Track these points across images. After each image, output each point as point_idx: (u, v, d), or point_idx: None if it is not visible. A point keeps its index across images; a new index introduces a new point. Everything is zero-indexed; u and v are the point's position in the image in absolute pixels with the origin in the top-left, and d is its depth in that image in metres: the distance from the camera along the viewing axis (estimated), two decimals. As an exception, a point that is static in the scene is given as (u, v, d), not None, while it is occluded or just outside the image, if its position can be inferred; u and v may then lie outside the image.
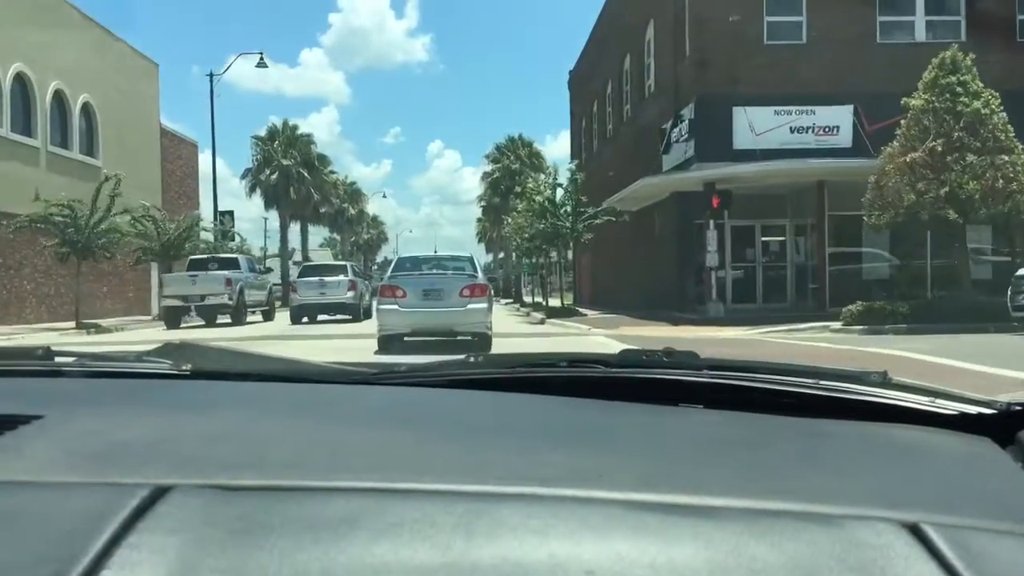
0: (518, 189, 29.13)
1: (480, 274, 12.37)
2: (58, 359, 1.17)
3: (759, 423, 0.86)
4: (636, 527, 0.53)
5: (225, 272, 20.36)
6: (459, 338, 11.08)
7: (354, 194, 62.58)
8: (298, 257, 45.32)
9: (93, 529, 0.51)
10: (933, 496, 0.65)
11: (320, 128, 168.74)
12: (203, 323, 20.55)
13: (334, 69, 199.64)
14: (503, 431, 0.81)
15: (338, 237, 66.32)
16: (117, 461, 0.66)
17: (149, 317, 25.85)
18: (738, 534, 0.53)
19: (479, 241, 65.05)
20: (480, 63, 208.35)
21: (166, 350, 1.21)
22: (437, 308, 11.02)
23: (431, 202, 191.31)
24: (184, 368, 1.09)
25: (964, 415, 0.87)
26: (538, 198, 22.85)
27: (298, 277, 21.40)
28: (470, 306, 11.09)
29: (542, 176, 23.69)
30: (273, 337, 15.22)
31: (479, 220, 61.75)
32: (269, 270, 26.25)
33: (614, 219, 21.50)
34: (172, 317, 20.02)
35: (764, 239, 20.03)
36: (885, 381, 0.97)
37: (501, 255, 58.64)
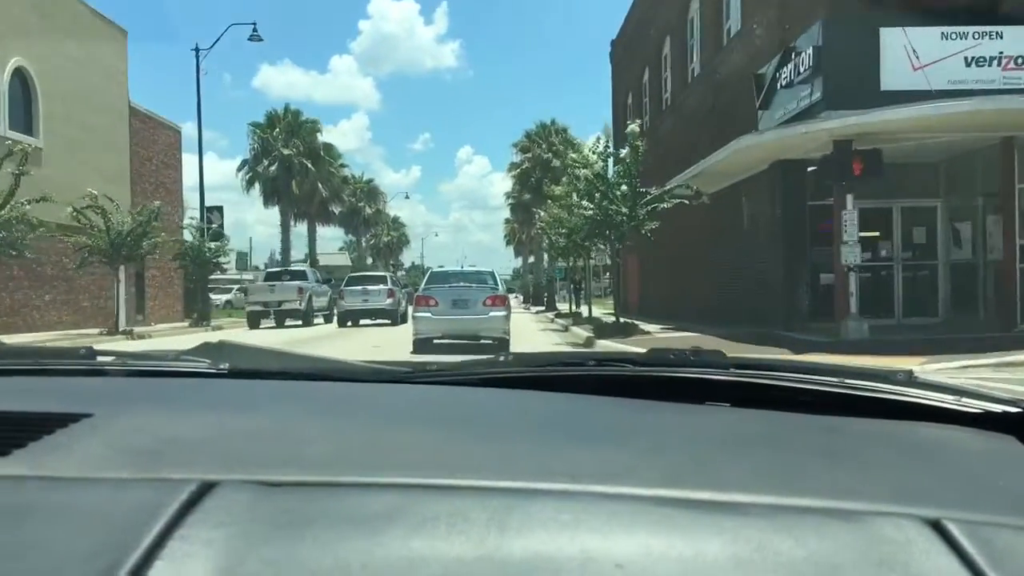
0: (549, 186, 23.96)
1: (500, 286, 14.62)
2: (100, 358, 1.21)
3: (784, 421, 0.86)
4: (664, 522, 0.55)
5: (297, 282, 24.24)
6: (481, 341, 13.25)
7: (371, 192, 58.62)
8: (298, 258, 42.35)
9: (145, 523, 0.53)
10: (956, 493, 0.65)
11: (350, 135, 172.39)
12: (273, 325, 23.65)
13: (364, 75, 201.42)
14: (533, 429, 0.83)
15: (353, 239, 63.50)
16: (164, 457, 0.68)
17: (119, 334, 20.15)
18: (762, 530, 0.54)
19: (507, 243, 61.51)
20: (509, 67, 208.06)
21: (204, 349, 1.23)
22: (464, 316, 13.24)
23: (460, 207, 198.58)
24: (222, 367, 1.12)
25: (989, 414, 0.87)
26: (583, 171, 15.32)
27: (344, 286, 23.85)
28: (491, 314, 13.36)
29: (588, 142, 16.74)
30: (330, 335, 18.64)
31: (507, 221, 58.13)
32: (328, 280, 28.49)
33: (688, 201, 15.03)
34: (254, 320, 23.63)
35: (905, 227, 14.22)
36: (910, 380, 0.97)
37: (531, 259, 54.39)
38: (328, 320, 25.34)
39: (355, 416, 0.88)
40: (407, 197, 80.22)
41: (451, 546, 0.51)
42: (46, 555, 0.52)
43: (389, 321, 22.89)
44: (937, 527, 0.55)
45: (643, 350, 1.31)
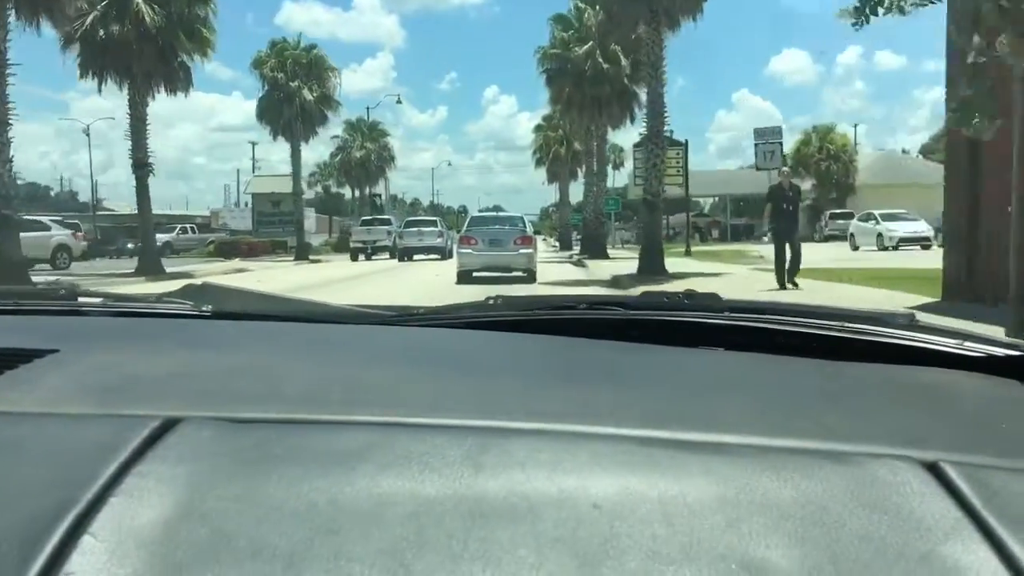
0: None
1: (528, 229, 17.83)
2: (81, 299, 1.20)
3: (778, 364, 0.85)
4: (646, 462, 0.54)
5: (387, 226, 32.78)
6: (513, 273, 16.00)
7: (312, 66, 34.34)
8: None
9: (103, 458, 0.52)
10: (954, 436, 0.64)
11: (376, 74, 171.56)
12: (365, 259, 30.53)
13: (388, 12, 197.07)
14: (516, 369, 0.83)
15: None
16: (129, 394, 0.68)
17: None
18: (749, 470, 0.53)
19: (538, 164, 49.70)
20: (537, 3, 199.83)
21: (187, 291, 1.23)
22: (498, 252, 16.28)
23: (486, 148, 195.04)
24: (204, 309, 1.11)
25: (992, 358, 0.86)
26: None
27: (404, 228, 30.43)
28: (521, 251, 16.37)
29: None
30: (402, 266, 24.49)
31: (538, 128, 48.62)
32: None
33: None
34: (356, 253, 31.29)
35: None
36: (912, 323, 0.96)
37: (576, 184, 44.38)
38: (392, 256, 30.89)
39: (334, 356, 0.87)
40: (399, 101, 61.09)
41: (423, 485, 0.50)
42: None
43: (439, 256, 27.70)
44: (934, 469, 0.53)
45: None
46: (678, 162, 27.25)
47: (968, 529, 0.47)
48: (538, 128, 50.18)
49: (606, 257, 27.27)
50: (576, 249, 37.14)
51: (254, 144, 63.33)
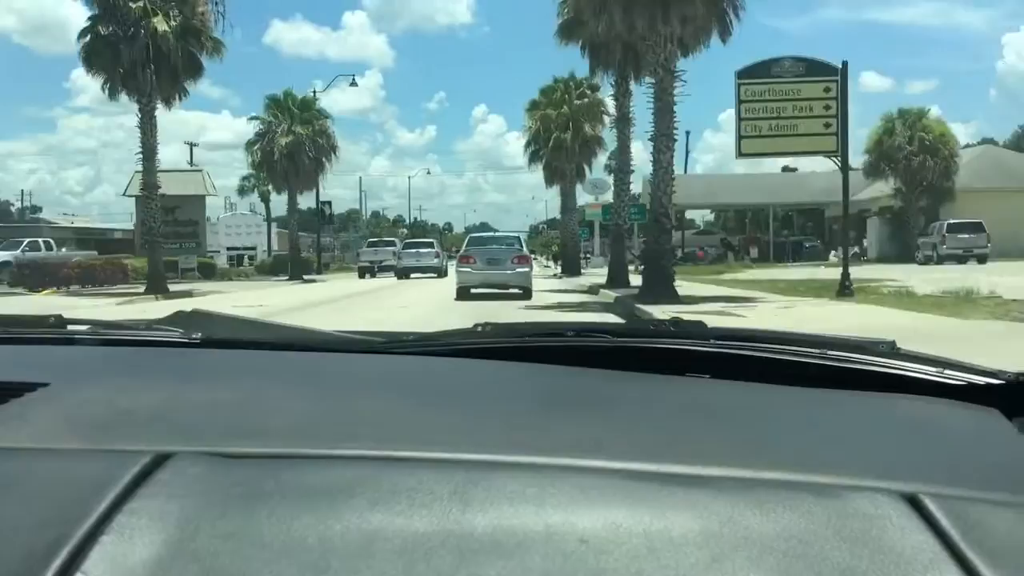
0: None
1: (524, 248, 18.73)
2: (70, 327, 1.19)
3: (761, 393, 0.86)
4: (632, 497, 0.54)
5: (392, 247, 35.93)
6: (510, 290, 16.63)
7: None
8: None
9: (94, 495, 0.52)
10: (934, 467, 0.65)
11: (364, 93, 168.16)
12: (370, 276, 33.31)
13: (377, 32, 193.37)
14: (504, 400, 0.83)
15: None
16: (120, 429, 0.67)
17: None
18: (732, 504, 0.53)
19: (531, 160, 33.89)
20: (526, 23, 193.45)
21: (177, 318, 1.22)
22: (496, 271, 16.85)
23: (475, 167, 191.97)
24: (194, 336, 1.10)
25: (972, 386, 0.87)
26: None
27: (403, 249, 32.86)
28: (518, 270, 16.91)
29: None
30: (405, 283, 26.23)
31: (533, 106, 32.60)
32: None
33: None
34: (365, 271, 34.29)
35: None
36: (893, 351, 0.97)
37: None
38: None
39: (322, 387, 0.87)
40: (353, 83, 42.70)
41: (411, 521, 0.50)
42: None
43: (435, 275, 28.87)
44: (913, 502, 0.54)
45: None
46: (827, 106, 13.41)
47: (947, 563, 0.48)
48: (533, 106, 32.94)
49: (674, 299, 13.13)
50: (587, 272, 30.98)
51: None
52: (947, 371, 0.88)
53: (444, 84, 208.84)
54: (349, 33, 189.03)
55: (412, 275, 29.28)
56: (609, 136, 29.47)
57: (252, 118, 35.97)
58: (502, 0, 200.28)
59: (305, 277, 32.12)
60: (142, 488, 0.53)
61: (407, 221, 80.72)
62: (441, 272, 29.27)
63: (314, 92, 37.34)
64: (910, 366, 0.90)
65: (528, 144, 34.96)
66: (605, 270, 22.99)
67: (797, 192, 43.81)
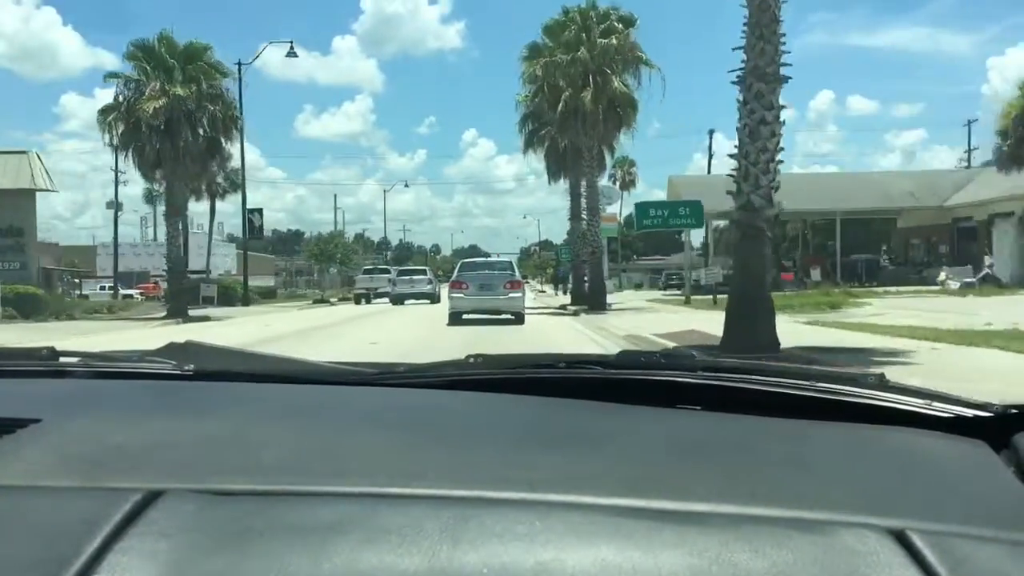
0: None
1: (517, 273, 18.64)
2: (62, 359, 1.18)
3: (751, 426, 0.85)
4: (621, 533, 0.54)
5: (387, 275, 36.66)
6: (502, 315, 16.77)
7: None
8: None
9: (85, 533, 0.52)
10: (921, 502, 0.65)
11: (354, 117, 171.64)
12: (366, 302, 33.98)
13: (367, 57, 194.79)
14: (495, 434, 0.83)
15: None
16: (111, 466, 0.67)
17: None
18: (722, 541, 0.53)
19: (529, 142, 26.78)
20: (516, 48, 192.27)
21: (170, 350, 1.21)
22: (488, 296, 16.98)
23: (464, 191, 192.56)
24: (187, 368, 1.10)
25: (960, 418, 0.87)
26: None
27: (397, 276, 33.73)
28: (511, 295, 17.09)
29: None
30: (398, 308, 26.88)
31: (534, 52, 21.84)
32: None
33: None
34: (360, 298, 35.03)
35: None
36: (882, 383, 0.97)
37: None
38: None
39: (313, 421, 0.87)
40: (292, 53, 32.89)
41: (401, 559, 0.50)
42: None
43: (429, 301, 29.76)
44: (900, 538, 0.54)
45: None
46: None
47: None
48: (533, 52, 21.81)
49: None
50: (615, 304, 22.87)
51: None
52: (935, 403, 0.89)
53: (434, 108, 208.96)
54: (339, 58, 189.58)
55: (406, 301, 30.27)
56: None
57: (109, 76, 23.36)
58: (491, 25, 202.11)
59: (191, 313, 21.75)
60: (133, 527, 0.53)
61: (388, 241, 77.80)
62: (434, 298, 29.96)
63: (240, 66, 26.97)
64: (899, 398, 0.90)
65: (525, 120, 25.28)
66: (621, 297, 21.29)
67: (863, 196, 34.29)
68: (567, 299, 31.62)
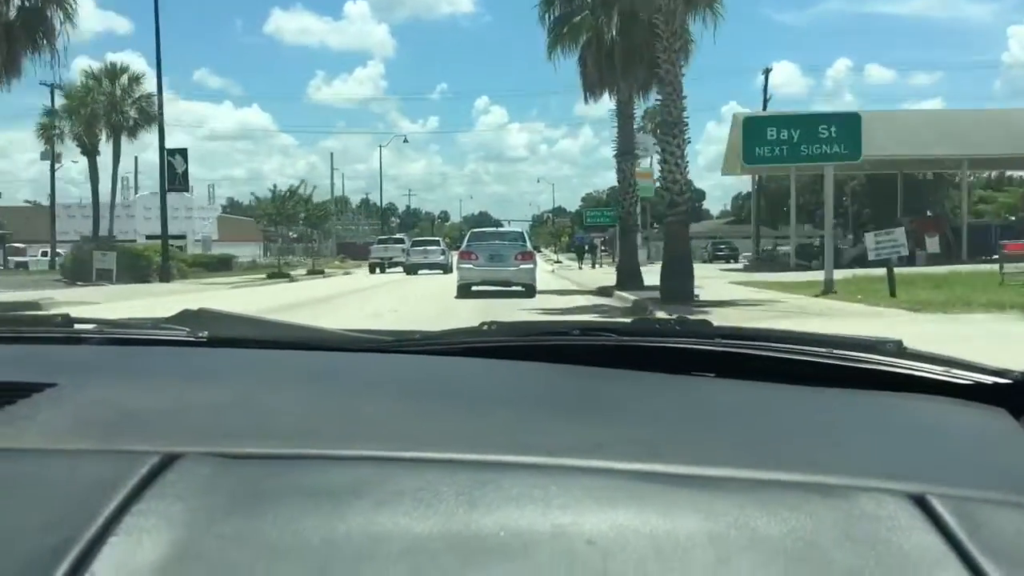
0: None
1: (528, 244, 17.81)
2: (77, 326, 1.20)
3: (767, 393, 0.85)
4: (638, 497, 0.54)
5: (401, 244, 37.40)
6: (512, 288, 15.91)
7: None
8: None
9: (102, 496, 0.53)
10: (941, 467, 0.65)
11: (366, 83, 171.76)
12: (379, 271, 35.27)
13: (378, 22, 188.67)
14: (510, 400, 0.82)
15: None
16: (127, 429, 0.68)
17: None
18: (739, 505, 0.53)
19: (554, 42, 17.81)
20: (529, 14, 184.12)
21: (184, 317, 1.22)
22: (499, 267, 16.21)
23: (476, 159, 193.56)
24: (201, 335, 1.10)
25: (979, 385, 0.86)
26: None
27: (411, 247, 34.44)
28: (521, 266, 16.30)
29: None
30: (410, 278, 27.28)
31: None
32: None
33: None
34: (376, 267, 36.27)
35: None
36: (900, 350, 0.97)
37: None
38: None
39: (328, 386, 0.87)
40: None
41: (417, 522, 0.50)
42: None
43: (441, 271, 30.04)
44: (921, 503, 0.54)
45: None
46: None
47: (954, 563, 0.48)
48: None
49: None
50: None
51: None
52: (954, 371, 0.88)
53: (446, 75, 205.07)
54: (350, 23, 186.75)
55: (420, 271, 30.56)
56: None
57: None
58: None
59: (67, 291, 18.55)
60: (149, 489, 0.54)
61: (387, 204, 70.37)
62: (447, 268, 29.36)
63: None
64: (917, 365, 0.89)
65: (548, 5, 17.68)
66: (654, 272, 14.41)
67: (985, 138, 25.93)
68: (599, 275, 24.99)
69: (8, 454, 0.62)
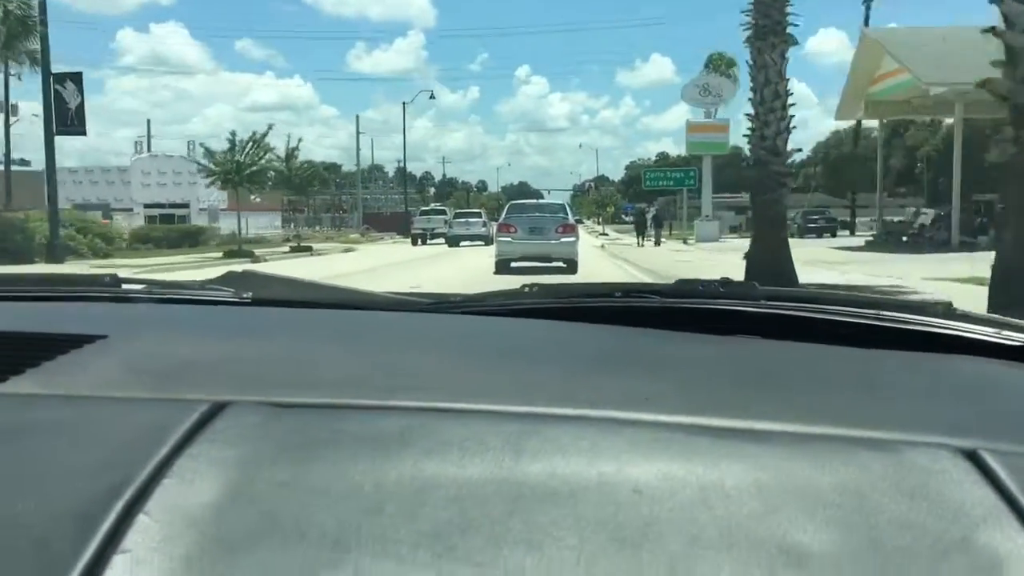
0: None
1: (570, 216, 16.95)
2: (124, 286, 1.21)
3: (815, 353, 0.84)
4: (684, 449, 0.54)
5: (443, 216, 37.42)
6: (553, 263, 15.10)
7: None
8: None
9: (155, 441, 0.54)
10: (994, 425, 0.63)
11: (407, 53, 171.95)
12: (421, 243, 34.82)
13: None
14: (556, 356, 0.82)
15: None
16: (177, 379, 0.69)
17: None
18: (787, 457, 0.53)
19: None
20: None
21: (228, 279, 1.23)
22: (539, 241, 15.34)
23: (516, 129, 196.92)
24: (245, 296, 1.11)
25: None
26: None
27: (453, 218, 34.61)
28: (563, 240, 15.41)
29: None
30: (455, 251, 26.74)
31: None
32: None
33: None
34: (418, 238, 35.95)
35: None
36: (950, 311, 0.95)
37: None
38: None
39: (374, 342, 0.88)
40: None
41: (465, 469, 0.51)
42: (55, 470, 0.52)
43: (483, 243, 29.38)
44: (973, 457, 0.53)
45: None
46: None
47: (1006, 516, 0.48)
48: None
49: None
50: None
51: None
52: (1005, 332, 0.87)
53: (486, 44, 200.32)
54: None
55: (462, 243, 30.47)
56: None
57: None
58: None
59: None
60: (200, 435, 0.54)
61: (404, 164, 64.54)
62: (488, 240, 28.78)
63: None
64: (967, 327, 0.88)
65: None
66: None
67: None
68: (672, 257, 19.63)
69: (63, 400, 0.63)
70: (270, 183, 31.30)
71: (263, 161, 27.28)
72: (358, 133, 54.29)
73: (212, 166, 26.56)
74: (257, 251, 25.55)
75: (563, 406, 0.60)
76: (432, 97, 58.05)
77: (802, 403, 0.65)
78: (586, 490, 0.49)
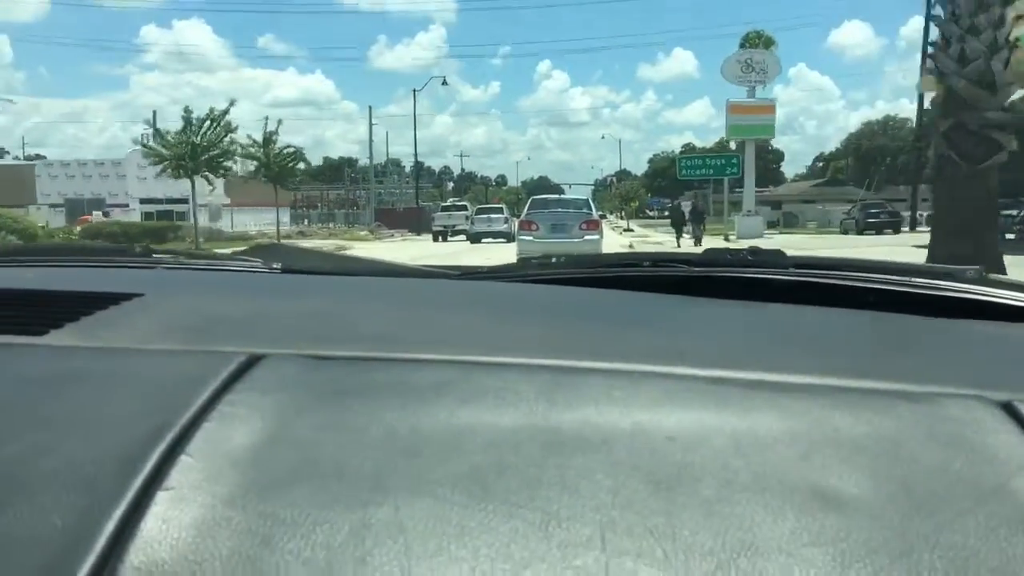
0: None
1: (594, 211, 16.59)
2: (156, 256, 1.23)
3: (848, 316, 0.84)
4: (717, 399, 0.55)
5: (464, 212, 35.46)
6: None
7: None
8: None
9: (195, 388, 0.55)
10: None
11: (428, 48, 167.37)
12: (442, 240, 33.89)
13: None
14: (588, 316, 0.82)
15: None
16: (213, 333, 0.70)
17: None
18: (821, 407, 0.53)
19: None
20: None
21: (257, 250, 1.24)
22: (561, 239, 14.57)
23: (537, 123, 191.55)
24: (275, 266, 1.13)
25: None
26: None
27: (475, 215, 32.45)
28: (586, 237, 14.67)
29: None
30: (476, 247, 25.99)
31: None
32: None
33: None
34: (439, 235, 34.49)
35: None
36: (981, 277, 0.95)
37: None
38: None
39: (406, 302, 0.89)
40: None
41: (499, 417, 0.52)
42: (97, 416, 0.53)
43: (505, 240, 28.29)
44: (1008, 408, 0.53)
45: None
46: None
47: None
48: None
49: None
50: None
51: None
52: None
53: (508, 38, 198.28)
54: None
55: (483, 240, 29.71)
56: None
57: None
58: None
59: None
60: (238, 383, 0.56)
61: (415, 154, 62.62)
62: (510, 237, 27.68)
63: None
64: (1000, 292, 0.88)
65: None
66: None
67: None
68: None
69: (102, 352, 0.65)
70: (235, 169, 27.08)
71: (224, 143, 23.40)
72: (371, 124, 51.54)
73: (162, 149, 22.87)
74: (219, 250, 22.54)
75: (595, 360, 0.60)
76: (444, 83, 55.46)
77: (835, 360, 0.64)
78: (620, 437, 0.49)
